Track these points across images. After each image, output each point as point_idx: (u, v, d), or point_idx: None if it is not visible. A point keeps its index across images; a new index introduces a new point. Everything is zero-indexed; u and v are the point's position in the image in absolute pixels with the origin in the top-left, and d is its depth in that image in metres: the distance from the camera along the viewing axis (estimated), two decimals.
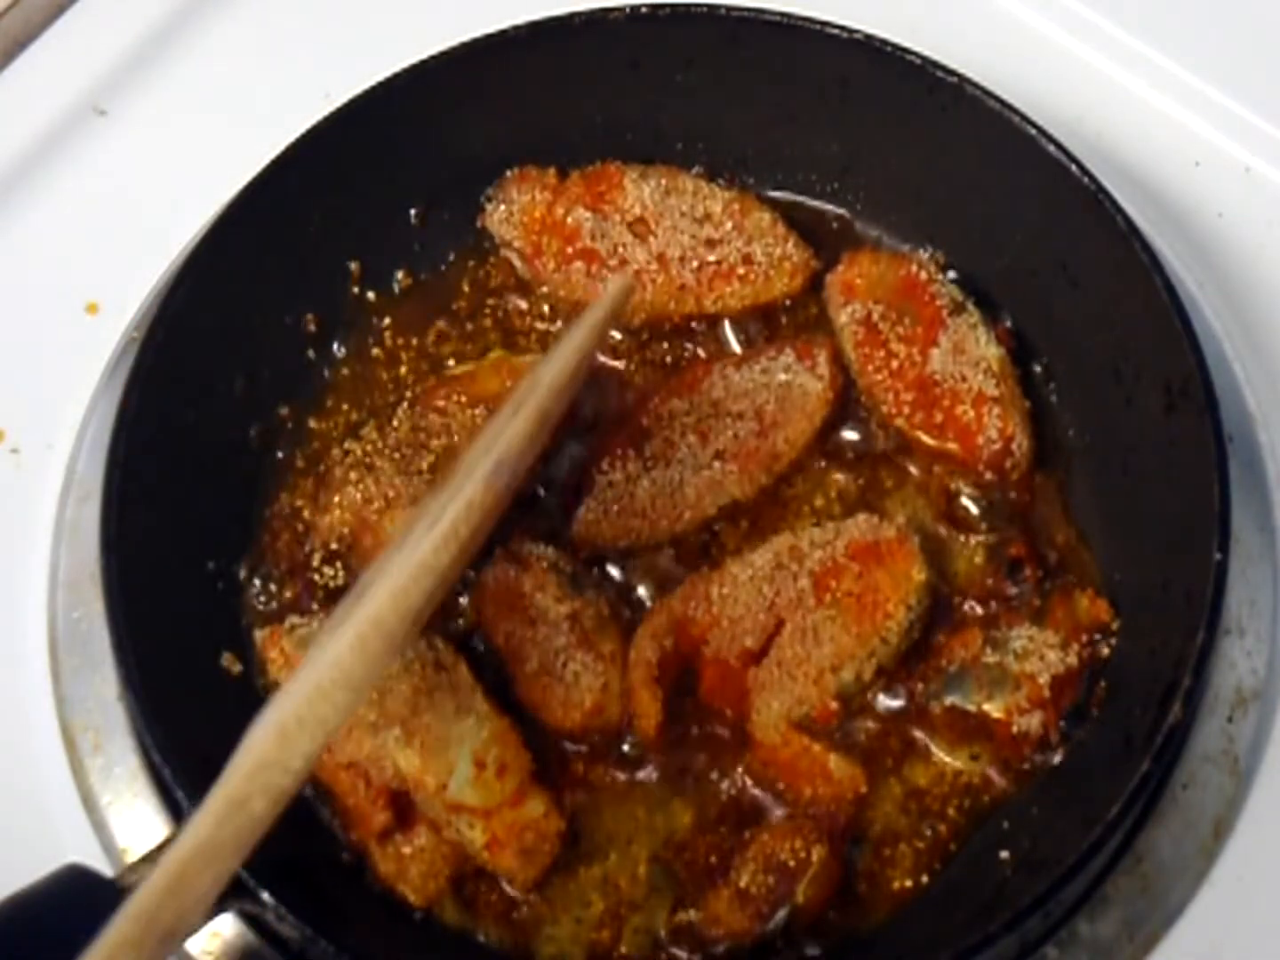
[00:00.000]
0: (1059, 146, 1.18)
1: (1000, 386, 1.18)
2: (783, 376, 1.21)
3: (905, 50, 1.22)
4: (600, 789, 1.10)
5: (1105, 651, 1.11)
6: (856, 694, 1.10)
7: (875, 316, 1.21)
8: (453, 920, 1.07)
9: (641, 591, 1.16)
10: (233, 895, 0.97)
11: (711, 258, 1.25)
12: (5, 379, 1.29)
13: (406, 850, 1.06)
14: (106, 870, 1.00)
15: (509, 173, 1.29)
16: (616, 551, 1.17)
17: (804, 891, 1.04)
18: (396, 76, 1.23)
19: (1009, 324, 1.23)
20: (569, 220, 1.27)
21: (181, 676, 1.07)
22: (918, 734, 1.11)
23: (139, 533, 1.08)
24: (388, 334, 1.28)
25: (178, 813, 1.06)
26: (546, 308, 1.28)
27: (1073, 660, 1.09)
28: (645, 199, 1.27)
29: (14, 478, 1.25)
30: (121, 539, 1.07)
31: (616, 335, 1.26)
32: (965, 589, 1.15)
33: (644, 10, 1.24)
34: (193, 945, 1.05)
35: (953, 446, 1.18)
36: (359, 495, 1.16)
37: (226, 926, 1.06)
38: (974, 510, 1.19)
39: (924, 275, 1.23)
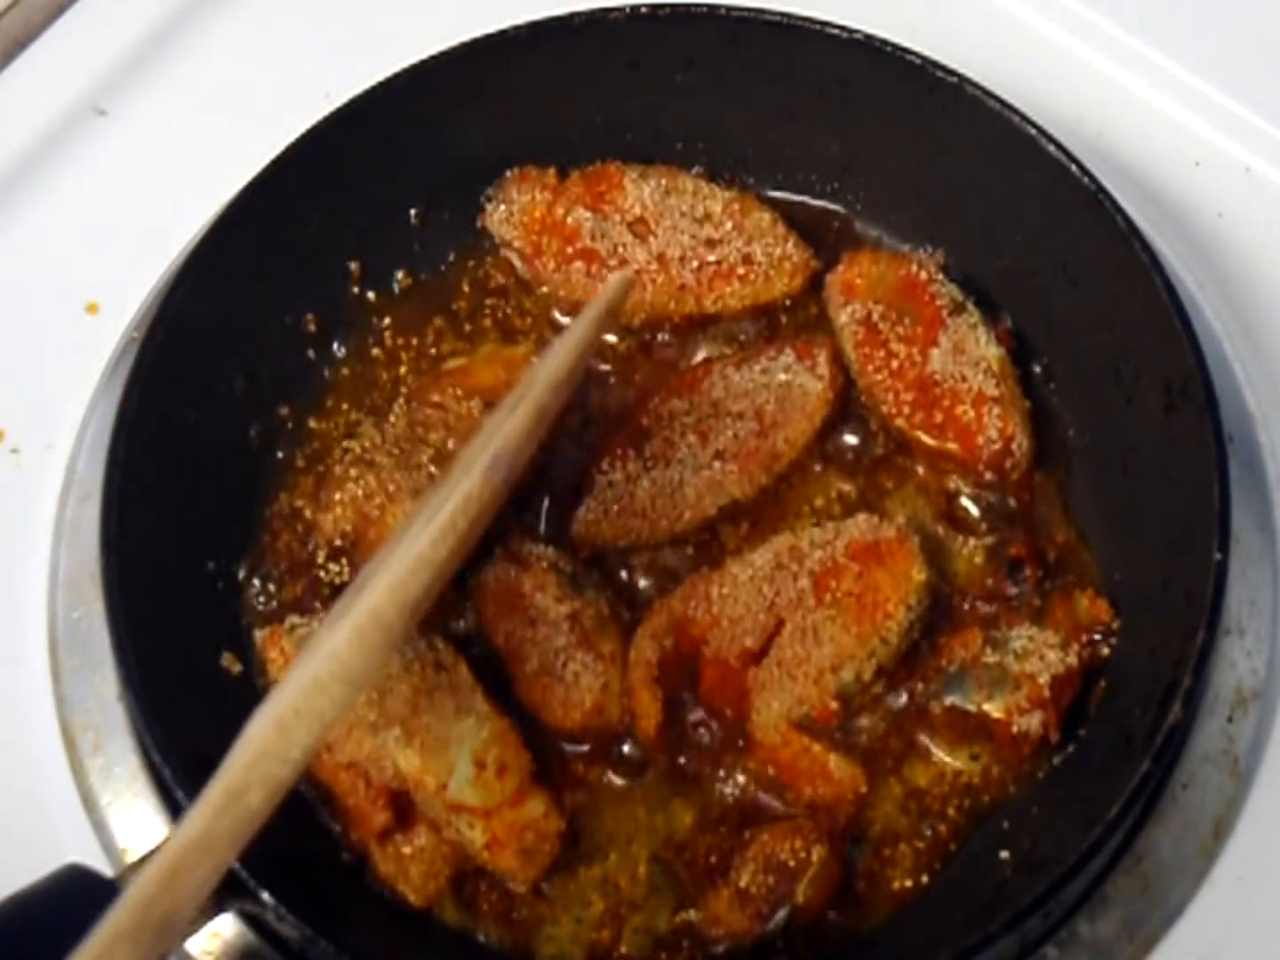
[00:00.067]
0: (1059, 146, 1.18)
1: (1000, 386, 1.18)
2: (783, 376, 1.21)
3: (905, 50, 1.22)
4: (600, 789, 1.10)
5: (1105, 651, 1.11)
6: (856, 694, 1.10)
7: (875, 316, 1.21)
8: (453, 920, 1.07)
9: (641, 591, 1.16)
10: (233, 895, 0.97)
11: (711, 258, 1.25)
12: (5, 379, 1.29)
13: (406, 850, 1.06)
14: (106, 870, 0.99)
15: (509, 173, 1.29)
16: (616, 551, 1.17)
17: (804, 891, 1.04)
18: (396, 76, 1.23)
19: (1009, 324, 1.23)
20: (569, 220, 1.27)
21: (181, 676, 1.07)
22: (918, 734, 1.11)
23: (139, 533, 1.08)
24: (388, 334, 1.28)
25: (178, 813, 1.06)
26: (546, 308, 1.28)
27: (1073, 660, 1.09)
28: (645, 199, 1.27)
29: (14, 478, 1.25)
30: (121, 539, 1.07)
31: (615, 336, 1.26)
32: (965, 589, 1.15)
33: (644, 10, 1.25)
34: (193, 945, 1.05)
35: (953, 446, 1.18)
36: (360, 491, 1.16)
37: (226, 926, 1.06)
38: (974, 510, 1.19)
39: (924, 275, 1.23)
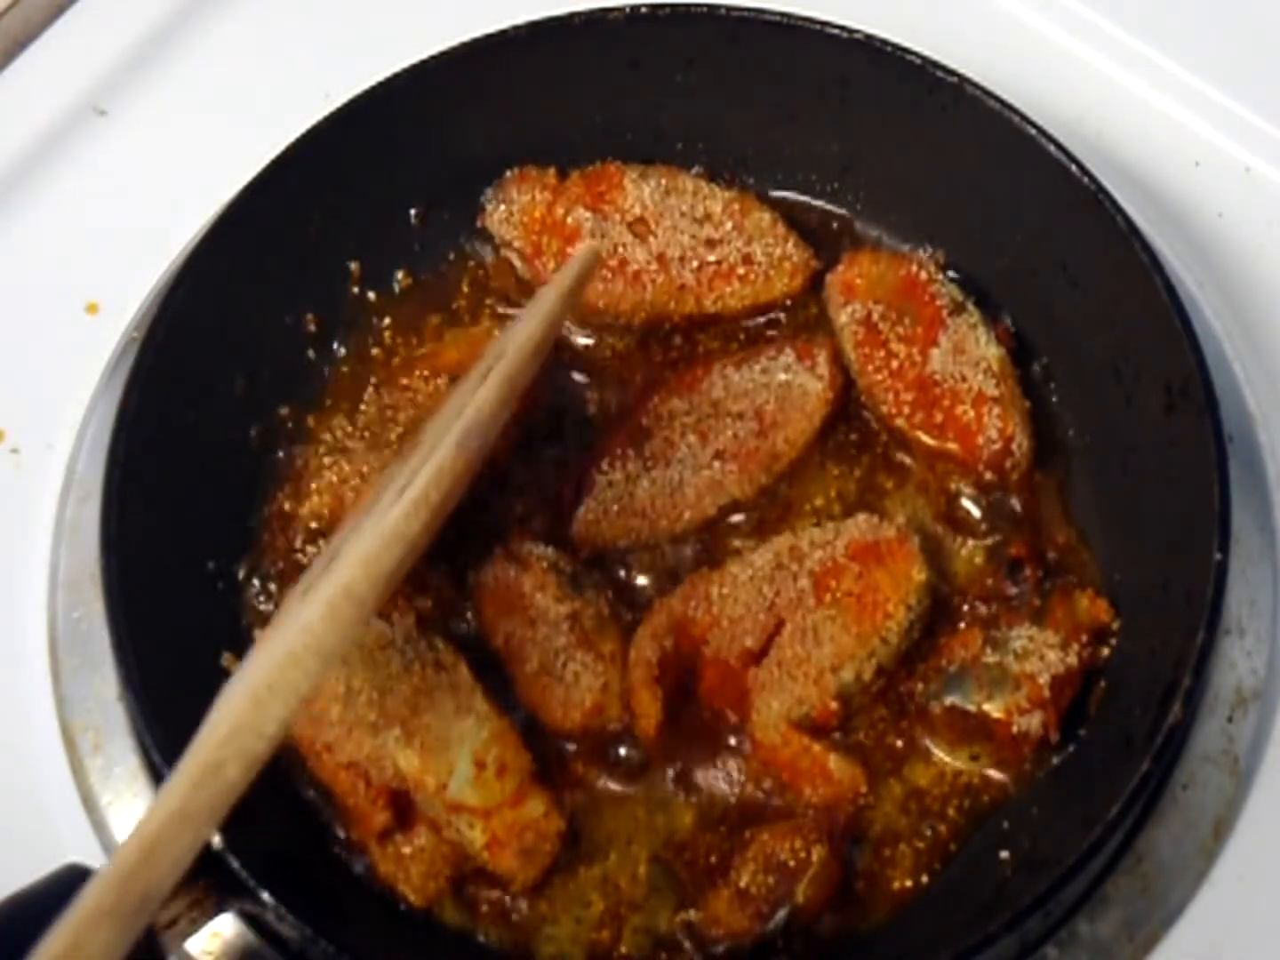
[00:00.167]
0: (1059, 146, 1.18)
1: (1000, 386, 1.18)
2: (783, 376, 1.21)
3: (905, 50, 1.22)
4: (600, 789, 1.10)
5: (1105, 651, 1.11)
6: (856, 694, 1.10)
7: (875, 316, 1.21)
8: (453, 920, 1.07)
9: (641, 591, 1.16)
10: (233, 895, 0.97)
11: (711, 258, 1.25)
12: (5, 379, 1.29)
13: (406, 850, 1.06)
14: None
15: (509, 173, 1.29)
16: (616, 551, 1.17)
17: (804, 891, 1.04)
18: (396, 76, 1.23)
19: (1009, 324, 1.23)
20: (569, 220, 1.27)
21: (181, 676, 1.07)
22: (918, 734, 1.11)
23: (139, 533, 1.08)
24: (388, 334, 1.28)
25: None
26: None
27: (1073, 660, 1.09)
28: (645, 199, 1.27)
29: (14, 478, 1.25)
30: (121, 539, 1.07)
31: (615, 336, 1.26)
32: (965, 589, 1.16)
33: (644, 10, 1.25)
34: (193, 945, 1.05)
35: (953, 446, 1.18)
36: (335, 477, 1.17)
37: (226, 926, 1.06)
38: (974, 510, 1.19)
39: (924, 275, 1.23)
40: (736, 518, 1.18)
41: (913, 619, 1.11)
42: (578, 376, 1.25)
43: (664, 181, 1.27)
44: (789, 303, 1.26)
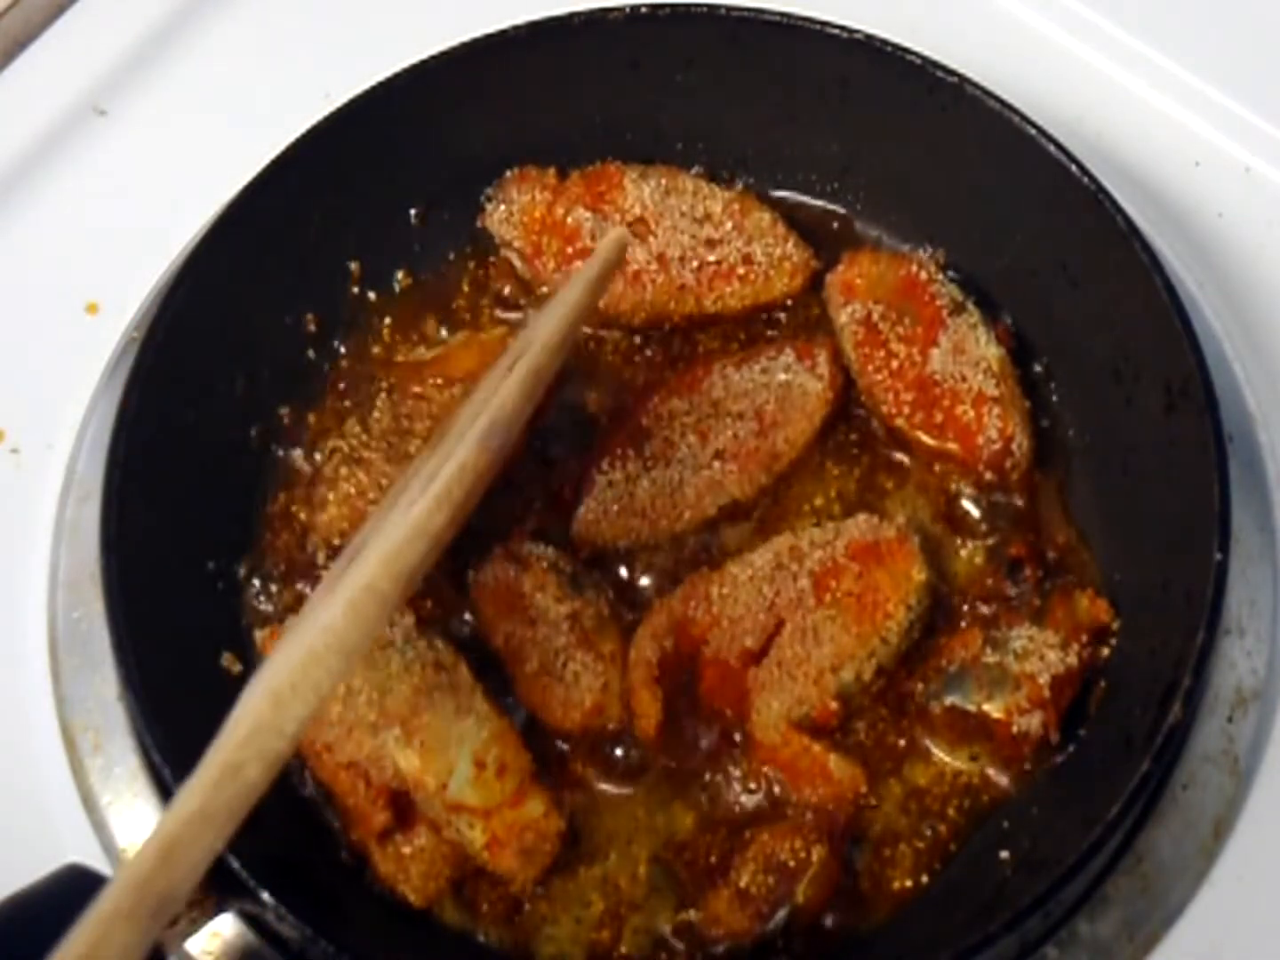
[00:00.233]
0: (1059, 146, 1.18)
1: (1000, 386, 1.18)
2: (783, 376, 1.21)
3: (905, 50, 1.22)
4: (600, 789, 1.10)
5: (1105, 651, 1.11)
6: (856, 694, 1.10)
7: (875, 316, 1.21)
8: (453, 920, 1.07)
9: (641, 591, 1.16)
10: (233, 895, 0.97)
11: (711, 258, 1.25)
12: (5, 379, 1.29)
13: (406, 850, 1.06)
14: (106, 870, 1.00)
15: (509, 173, 1.29)
16: (616, 551, 1.17)
17: (804, 891, 1.04)
18: (396, 76, 1.23)
19: (1009, 324, 1.23)
20: (569, 220, 1.27)
21: (181, 676, 1.07)
22: (918, 734, 1.11)
23: (139, 533, 1.08)
24: (388, 333, 1.28)
25: None
26: None
27: (1073, 660, 1.09)
28: (645, 199, 1.27)
29: (14, 478, 1.25)
30: (121, 539, 1.07)
31: (615, 336, 1.26)
32: (965, 589, 1.16)
33: (644, 10, 1.25)
34: (193, 945, 1.05)
35: (953, 446, 1.18)
36: (352, 489, 1.17)
37: (226, 926, 1.06)
38: (974, 510, 1.19)
39: (924, 275, 1.23)
40: (736, 518, 1.18)
41: (913, 619, 1.11)
42: (578, 377, 1.25)
43: (664, 181, 1.27)
44: (789, 303, 1.26)
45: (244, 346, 1.20)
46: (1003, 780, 1.09)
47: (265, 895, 0.96)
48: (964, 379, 1.18)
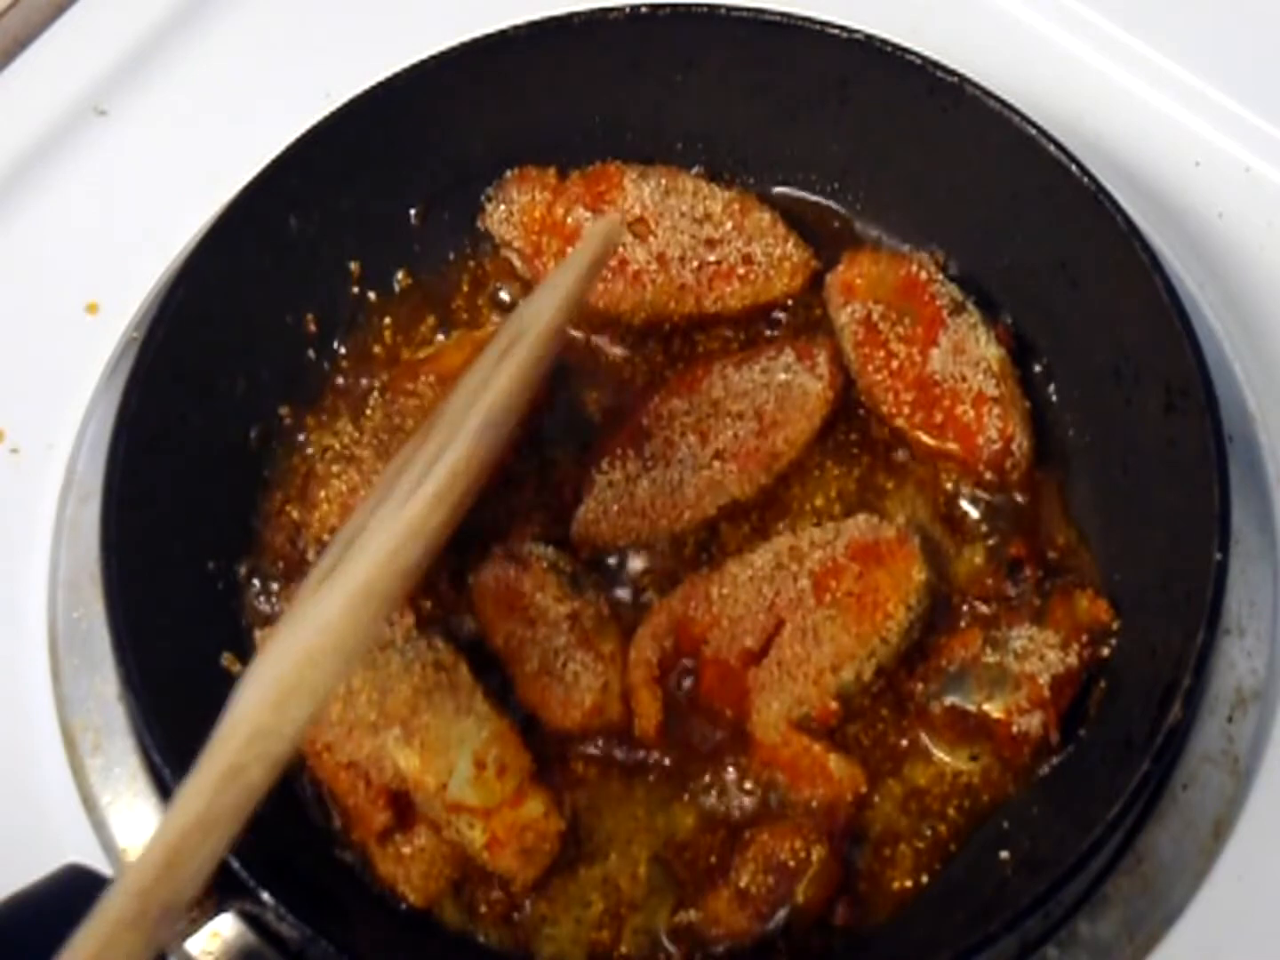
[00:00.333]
0: (1059, 146, 1.18)
1: (1000, 386, 1.18)
2: (783, 376, 1.21)
3: (905, 50, 1.22)
4: (600, 789, 1.10)
5: (1105, 651, 1.11)
6: (856, 694, 1.10)
7: (875, 316, 1.21)
8: (453, 921, 1.07)
9: (642, 591, 1.16)
10: (233, 895, 0.97)
11: (711, 258, 1.25)
12: (5, 379, 1.29)
13: (406, 850, 1.06)
14: (106, 870, 1.00)
15: (509, 173, 1.29)
16: (616, 551, 1.17)
17: (804, 891, 1.04)
18: (396, 76, 1.23)
19: (1009, 324, 1.23)
20: (569, 220, 1.26)
21: (181, 676, 1.07)
22: (918, 734, 1.11)
23: (139, 533, 1.08)
24: (388, 334, 1.28)
25: None
26: None
27: (1073, 660, 1.09)
28: (645, 199, 1.27)
29: (14, 478, 1.25)
30: (121, 539, 1.07)
31: (616, 335, 1.26)
32: (965, 589, 1.15)
33: (644, 10, 1.24)
34: (193, 945, 1.05)
35: (953, 446, 1.18)
36: (344, 486, 1.17)
37: (226, 926, 1.06)
38: (974, 511, 1.19)
39: (924, 275, 1.23)
40: (736, 518, 1.18)
41: (913, 619, 1.11)
42: (578, 376, 1.25)
43: (664, 181, 1.27)
44: (789, 303, 1.26)
45: (244, 346, 1.20)
46: (1003, 780, 1.09)
47: (265, 895, 0.96)
48: (964, 379, 1.18)
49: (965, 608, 1.14)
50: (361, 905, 1.07)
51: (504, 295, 1.29)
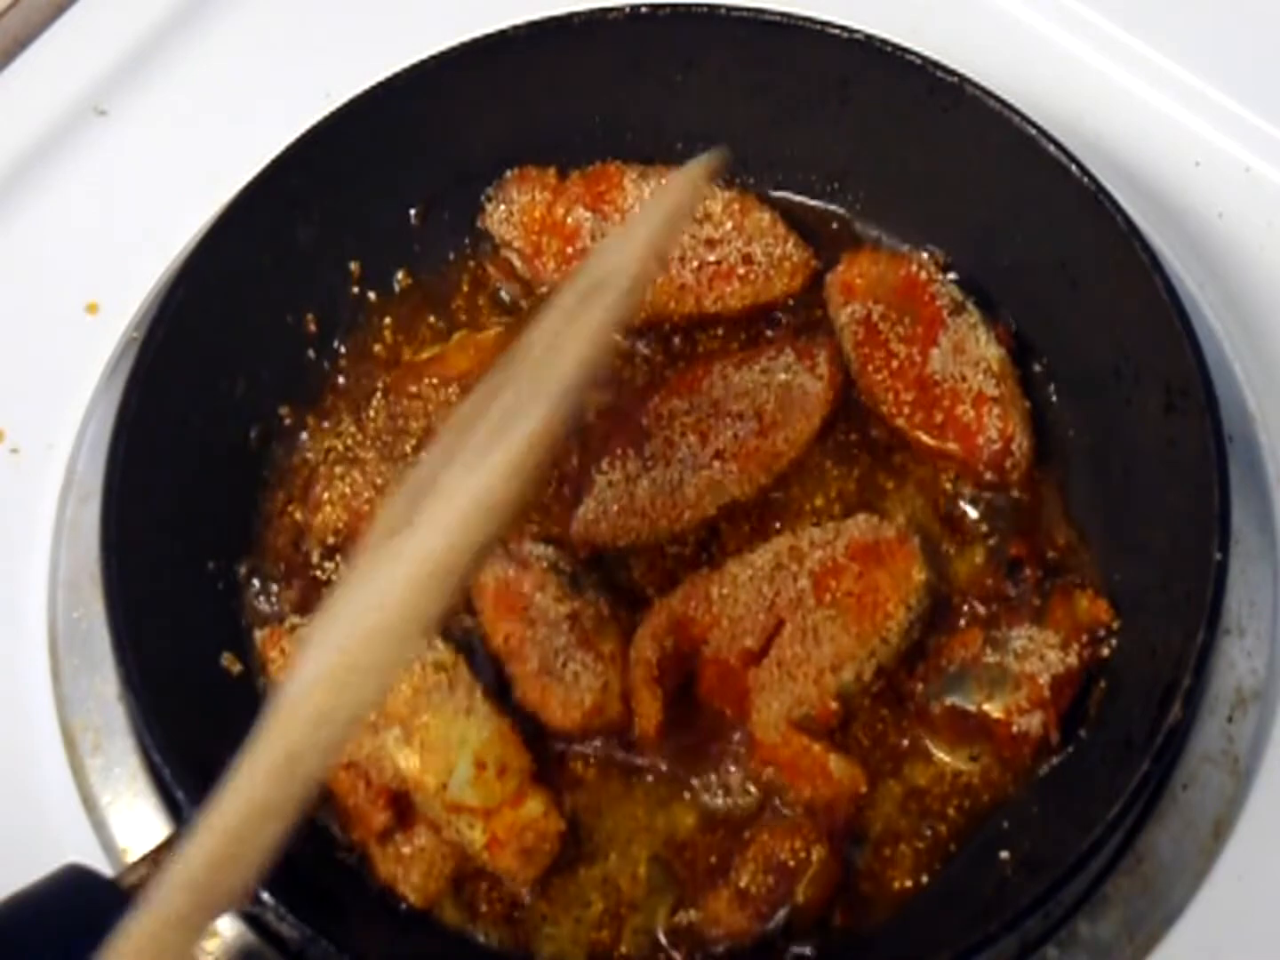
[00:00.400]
0: (1059, 146, 1.18)
1: (1000, 386, 1.18)
2: (783, 376, 1.21)
3: (905, 50, 1.22)
4: (600, 789, 1.10)
5: (1105, 651, 1.11)
6: (856, 694, 1.10)
7: (875, 316, 1.21)
8: (453, 920, 1.07)
9: (642, 591, 1.16)
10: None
11: (711, 258, 1.25)
12: (5, 379, 1.29)
13: (406, 850, 1.06)
14: (106, 870, 1.00)
15: (509, 173, 1.29)
16: (616, 551, 1.17)
17: (804, 891, 1.04)
18: (396, 76, 1.23)
19: (1009, 324, 1.23)
20: (569, 220, 1.26)
21: (181, 676, 1.07)
22: (918, 734, 1.11)
23: (139, 533, 1.08)
24: (388, 334, 1.28)
25: (178, 813, 1.06)
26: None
27: (1073, 660, 1.09)
28: (645, 199, 1.26)
29: (14, 478, 1.25)
30: (121, 539, 1.07)
31: (617, 334, 1.26)
32: (965, 589, 1.15)
33: (644, 10, 1.24)
34: None
35: (953, 447, 1.18)
36: (347, 488, 1.17)
37: (226, 926, 1.06)
38: (974, 511, 1.19)
39: (924, 275, 1.23)
40: (736, 518, 1.18)
41: (913, 619, 1.11)
42: None
43: (664, 181, 1.27)
44: (789, 303, 1.26)
45: (244, 346, 1.20)
46: (1003, 780, 1.09)
47: (265, 895, 0.96)
48: (964, 379, 1.18)
49: (965, 608, 1.14)
50: (361, 905, 1.07)
51: (504, 295, 1.29)
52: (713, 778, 1.10)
